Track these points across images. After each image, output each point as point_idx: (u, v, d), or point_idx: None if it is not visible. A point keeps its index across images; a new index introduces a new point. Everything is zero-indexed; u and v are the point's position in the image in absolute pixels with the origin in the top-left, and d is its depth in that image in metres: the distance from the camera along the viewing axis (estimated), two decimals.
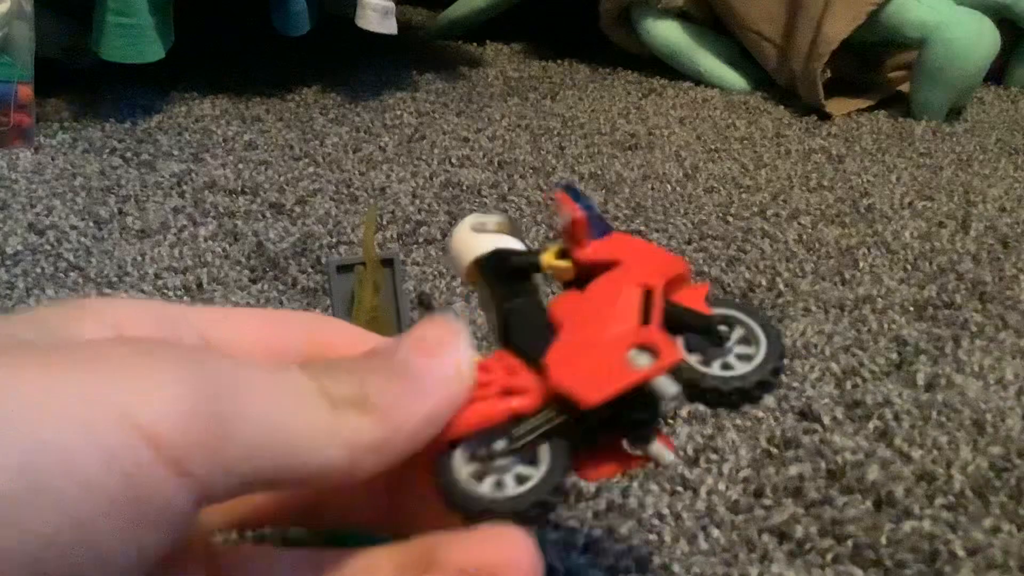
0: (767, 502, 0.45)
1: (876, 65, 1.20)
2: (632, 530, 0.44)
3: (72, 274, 0.68)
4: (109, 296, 0.19)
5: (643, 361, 0.28)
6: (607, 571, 0.42)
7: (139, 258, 0.71)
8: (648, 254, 0.32)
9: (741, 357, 0.30)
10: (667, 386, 0.28)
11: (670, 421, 0.53)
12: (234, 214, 0.79)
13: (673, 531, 0.44)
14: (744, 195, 0.86)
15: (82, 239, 0.74)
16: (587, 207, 0.32)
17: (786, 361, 0.34)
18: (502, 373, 0.28)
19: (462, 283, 0.68)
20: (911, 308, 0.66)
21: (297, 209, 0.80)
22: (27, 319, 0.19)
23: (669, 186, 0.88)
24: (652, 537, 0.44)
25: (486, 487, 0.27)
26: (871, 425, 0.52)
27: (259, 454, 0.18)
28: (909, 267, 0.72)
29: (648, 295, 0.30)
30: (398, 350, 0.23)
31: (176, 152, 0.93)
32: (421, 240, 0.75)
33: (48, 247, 0.72)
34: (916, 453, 0.49)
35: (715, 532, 0.43)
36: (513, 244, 0.34)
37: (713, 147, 0.99)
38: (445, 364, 0.23)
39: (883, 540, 0.43)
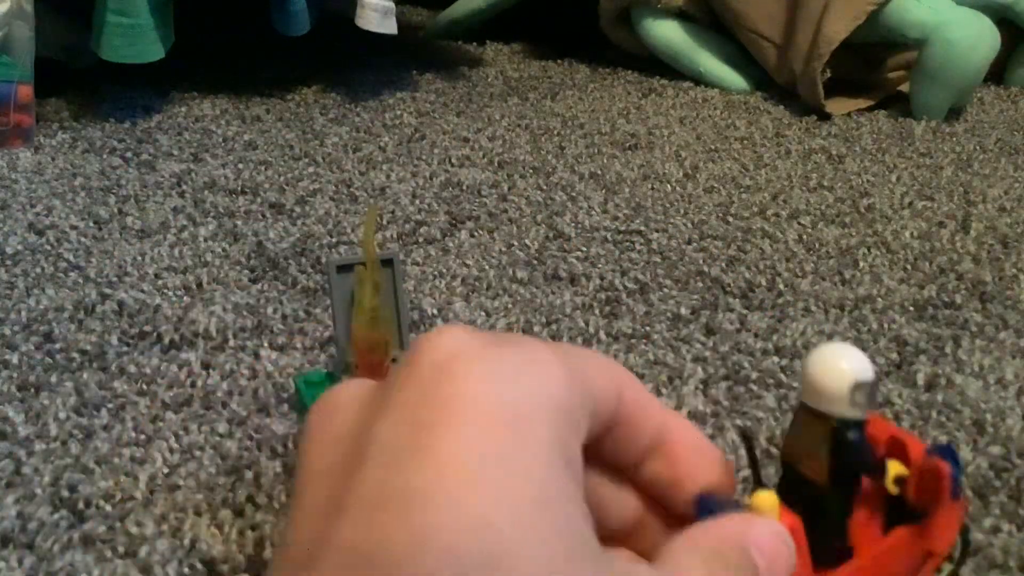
0: None
1: (876, 65, 1.20)
2: None
3: (72, 274, 0.68)
4: (535, 367, 0.20)
5: None
6: None
7: (139, 258, 0.71)
8: (953, 525, 0.31)
9: None
10: None
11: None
12: (234, 214, 0.79)
13: None
14: (744, 195, 0.86)
15: (82, 239, 0.74)
16: (958, 470, 0.30)
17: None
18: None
19: (462, 285, 0.68)
20: (911, 308, 0.66)
21: (297, 209, 0.80)
22: None
23: (669, 186, 0.88)
24: None
25: None
26: None
27: None
28: (909, 267, 0.72)
29: (928, 560, 0.30)
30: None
31: (176, 152, 0.93)
32: (421, 240, 0.75)
33: (48, 247, 0.72)
34: None
35: None
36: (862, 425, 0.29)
37: (713, 147, 0.99)
38: None
39: None
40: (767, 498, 0.27)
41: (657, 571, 0.20)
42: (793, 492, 0.28)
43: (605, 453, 0.24)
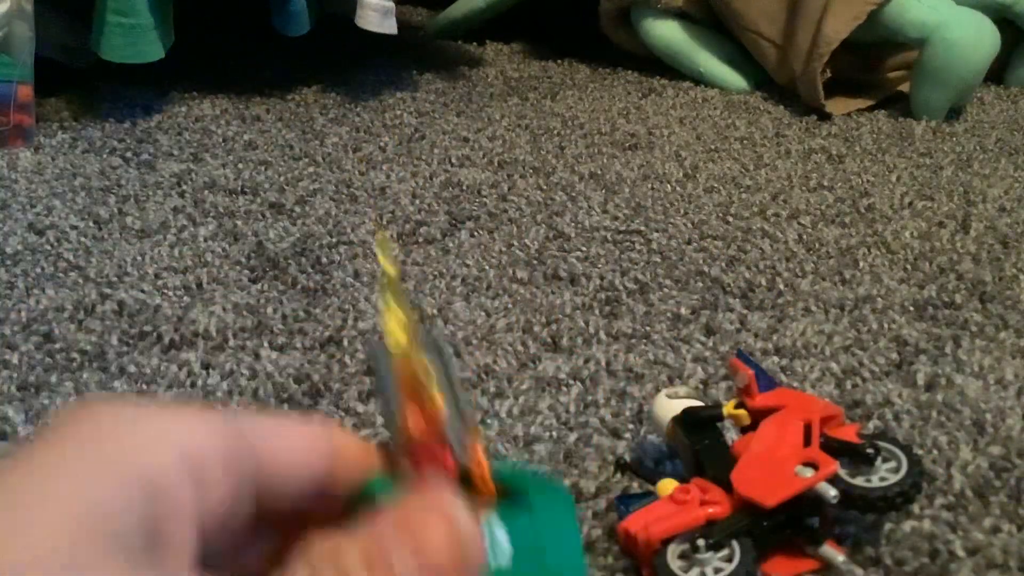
0: None
1: (876, 65, 1.20)
2: None
3: (72, 274, 0.68)
4: (170, 413, 0.21)
5: (808, 473, 0.38)
6: (607, 571, 0.42)
7: (139, 258, 0.71)
8: (806, 400, 0.43)
9: (887, 474, 0.40)
10: (827, 490, 0.38)
11: None
12: (234, 214, 0.79)
13: None
14: (744, 195, 0.86)
15: (82, 239, 0.74)
16: (756, 368, 0.43)
17: (920, 480, 0.41)
18: (698, 492, 0.39)
19: (462, 285, 0.68)
20: (911, 308, 0.66)
21: (297, 209, 0.80)
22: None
23: (669, 186, 0.88)
24: None
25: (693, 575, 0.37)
26: (871, 425, 0.52)
27: None
28: (909, 267, 0.72)
29: (808, 426, 0.40)
30: None
31: (176, 152, 0.93)
32: (421, 240, 0.75)
33: (48, 247, 0.72)
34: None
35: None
36: (698, 404, 0.45)
37: (713, 147, 0.99)
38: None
39: (883, 539, 0.43)
40: (667, 483, 0.41)
41: None
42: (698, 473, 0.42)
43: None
